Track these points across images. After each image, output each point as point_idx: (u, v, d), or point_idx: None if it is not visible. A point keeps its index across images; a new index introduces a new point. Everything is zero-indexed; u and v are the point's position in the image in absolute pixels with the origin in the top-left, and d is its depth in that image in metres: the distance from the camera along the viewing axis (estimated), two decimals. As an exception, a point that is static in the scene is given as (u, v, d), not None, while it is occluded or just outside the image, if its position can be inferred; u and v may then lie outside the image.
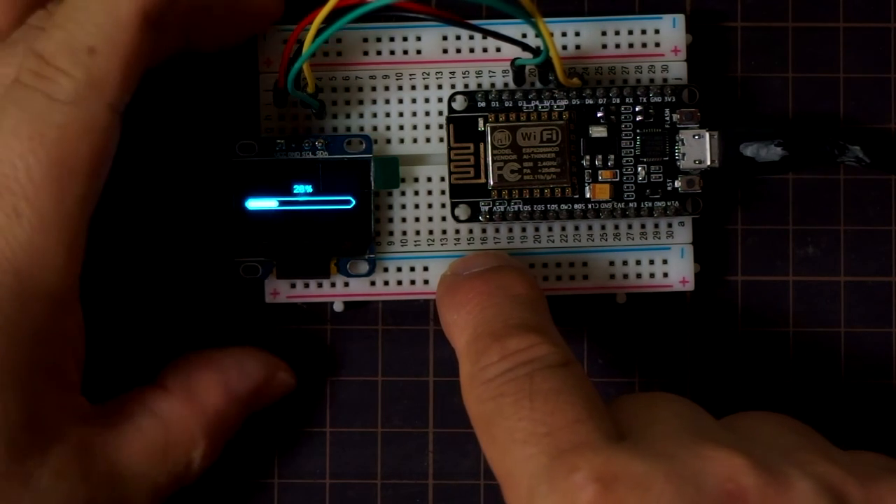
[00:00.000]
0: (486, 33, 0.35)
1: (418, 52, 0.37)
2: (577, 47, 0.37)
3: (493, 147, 0.36)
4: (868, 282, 0.38)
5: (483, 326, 0.32)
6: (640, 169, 0.37)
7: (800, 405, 0.38)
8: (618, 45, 0.37)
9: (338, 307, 0.38)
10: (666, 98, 0.36)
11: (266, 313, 0.38)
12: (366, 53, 0.37)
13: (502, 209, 0.36)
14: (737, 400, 0.38)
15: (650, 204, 0.37)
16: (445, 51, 0.37)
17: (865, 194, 0.38)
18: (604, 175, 0.36)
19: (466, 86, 0.37)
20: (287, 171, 0.37)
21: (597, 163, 0.37)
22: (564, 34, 0.37)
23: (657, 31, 0.37)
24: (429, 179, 0.37)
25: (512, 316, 0.32)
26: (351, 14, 0.33)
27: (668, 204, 0.37)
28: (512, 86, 0.37)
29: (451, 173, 0.37)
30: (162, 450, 0.34)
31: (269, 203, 0.37)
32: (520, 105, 0.36)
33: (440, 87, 0.37)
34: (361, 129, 0.37)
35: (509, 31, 0.36)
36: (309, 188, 0.37)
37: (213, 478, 0.37)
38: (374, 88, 0.37)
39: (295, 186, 0.37)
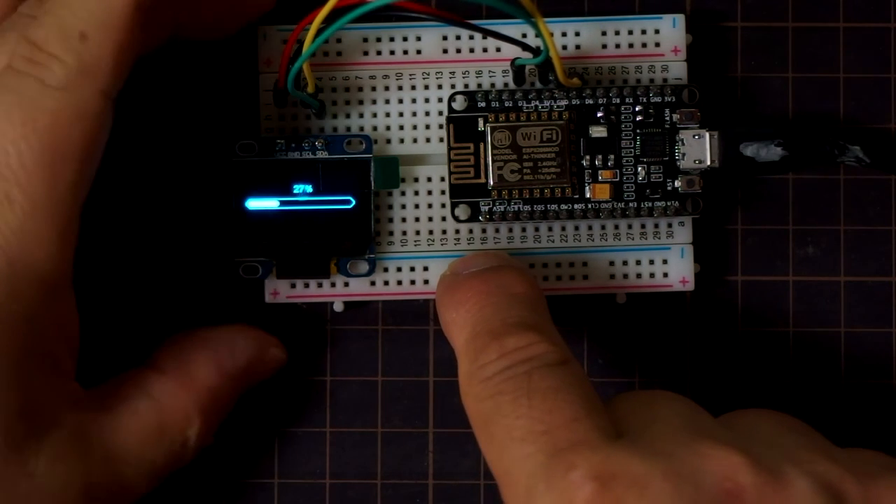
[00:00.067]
0: (486, 33, 0.35)
1: (418, 52, 0.37)
2: (577, 47, 0.37)
3: (493, 147, 0.36)
4: (868, 282, 0.38)
5: (482, 325, 0.32)
6: (640, 169, 0.37)
7: (800, 405, 0.37)
8: (618, 45, 0.37)
9: (338, 307, 0.38)
10: (666, 98, 0.36)
11: (266, 313, 0.38)
12: (366, 53, 0.37)
13: (502, 209, 0.36)
14: (737, 400, 0.38)
15: (650, 204, 0.36)
16: (445, 51, 0.37)
17: (865, 194, 0.38)
18: (604, 175, 0.36)
19: (466, 86, 0.37)
20: (287, 171, 0.37)
21: (597, 163, 0.36)
22: (564, 34, 0.37)
23: (657, 31, 0.37)
24: (429, 179, 0.37)
25: (510, 315, 0.32)
26: (351, 14, 0.33)
27: (668, 204, 0.37)
28: (512, 86, 0.37)
29: (451, 173, 0.37)
30: (157, 430, 0.34)
31: (269, 203, 0.37)
32: (520, 105, 0.36)
33: (440, 87, 0.37)
34: (361, 129, 0.37)
35: (509, 31, 0.36)
36: (309, 188, 0.37)
37: (213, 478, 0.37)
38: (374, 88, 0.37)
39: (295, 186, 0.37)
